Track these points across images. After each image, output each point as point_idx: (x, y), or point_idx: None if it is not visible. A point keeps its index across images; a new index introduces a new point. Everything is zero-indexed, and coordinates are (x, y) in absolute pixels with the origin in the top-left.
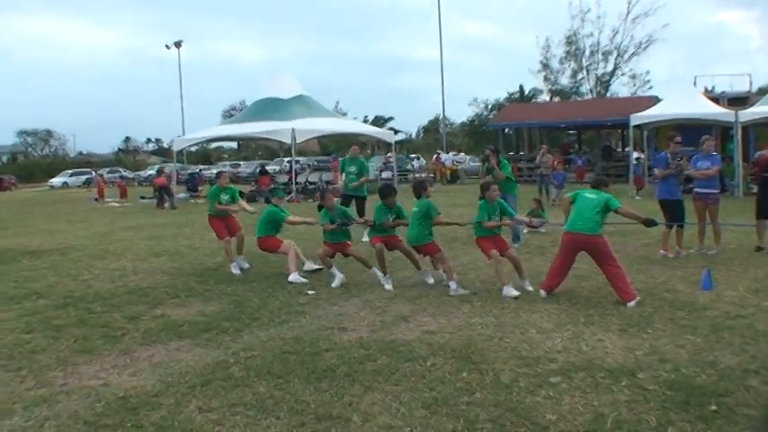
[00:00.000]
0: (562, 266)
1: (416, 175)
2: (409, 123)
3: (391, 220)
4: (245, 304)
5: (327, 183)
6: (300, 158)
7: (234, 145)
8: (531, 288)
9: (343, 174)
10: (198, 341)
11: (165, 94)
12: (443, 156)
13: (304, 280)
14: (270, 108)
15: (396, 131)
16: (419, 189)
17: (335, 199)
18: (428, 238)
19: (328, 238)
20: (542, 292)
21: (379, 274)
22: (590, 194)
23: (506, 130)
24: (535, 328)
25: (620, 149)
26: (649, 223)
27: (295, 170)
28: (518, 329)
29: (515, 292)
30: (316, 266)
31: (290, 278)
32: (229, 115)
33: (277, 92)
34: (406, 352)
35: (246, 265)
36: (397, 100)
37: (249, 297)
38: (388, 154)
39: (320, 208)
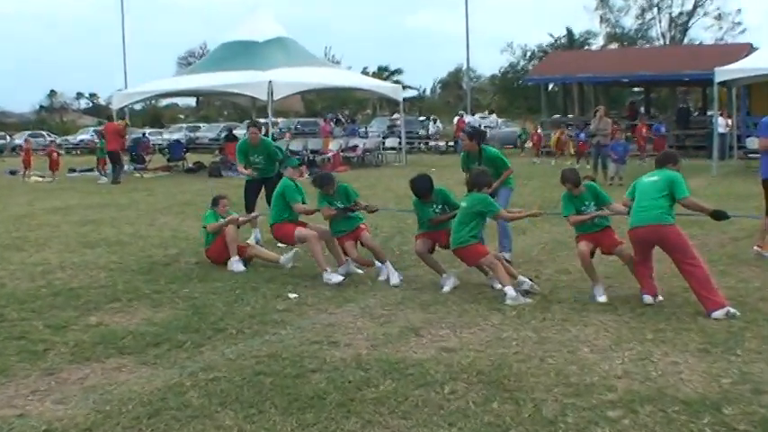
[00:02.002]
0: (643, 263)
1: (477, 168)
2: (423, 76)
3: (437, 212)
4: (206, 311)
5: (314, 153)
6: (279, 120)
7: (192, 102)
8: (603, 299)
9: (247, 167)
10: (144, 358)
11: (102, 35)
12: (468, 118)
13: (338, 278)
14: (240, 54)
15: (405, 87)
16: (479, 182)
17: (338, 175)
18: (472, 240)
19: (336, 228)
20: (647, 298)
21: (391, 271)
22: (651, 177)
23: (550, 86)
24: (588, 346)
25: (699, 113)
26: (719, 216)
27: (272, 135)
28: (565, 347)
29: (603, 297)
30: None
31: (324, 277)
32: (187, 63)
33: (249, 33)
34: (417, 375)
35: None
36: (408, 46)
37: (212, 301)
38: (395, 115)
39: (317, 184)
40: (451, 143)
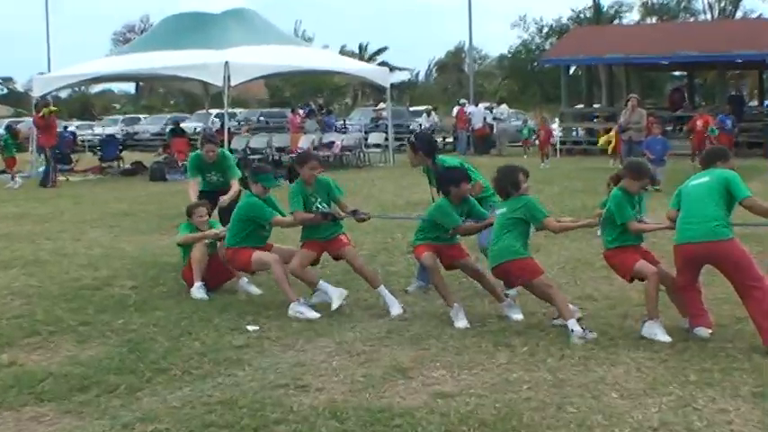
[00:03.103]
0: (692, 287)
1: (505, 167)
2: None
3: (463, 220)
4: (145, 347)
5: (280, 151)
6: (238, 111)
7: (130, 88)
8: (666, 338)
9: (197, 181)
10: (68, 406)
11: (20, 5)
12: (470, 108)
13: (314, 314)
14: (190, 29)
15: (393, 69)
16: (510, 184)
17: (316, 170)
18: (517, 254)
19: (309, 234)
20: (703, 331)
21: (390, 299)
22: (699, 179)
23: (572, 69)
24: (616, 391)
25: (756, 102)
26: None
27: (229, 129)
28: (588, 392)
29: (666, 337)
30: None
31: (291, 309)
32: (124, 41)
33: (202, 3)
34: (405, 427)
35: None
36: (396, 20)
37: (152, 335)
38: (380, 105)
39: (291, 178)
40: (450, 140)
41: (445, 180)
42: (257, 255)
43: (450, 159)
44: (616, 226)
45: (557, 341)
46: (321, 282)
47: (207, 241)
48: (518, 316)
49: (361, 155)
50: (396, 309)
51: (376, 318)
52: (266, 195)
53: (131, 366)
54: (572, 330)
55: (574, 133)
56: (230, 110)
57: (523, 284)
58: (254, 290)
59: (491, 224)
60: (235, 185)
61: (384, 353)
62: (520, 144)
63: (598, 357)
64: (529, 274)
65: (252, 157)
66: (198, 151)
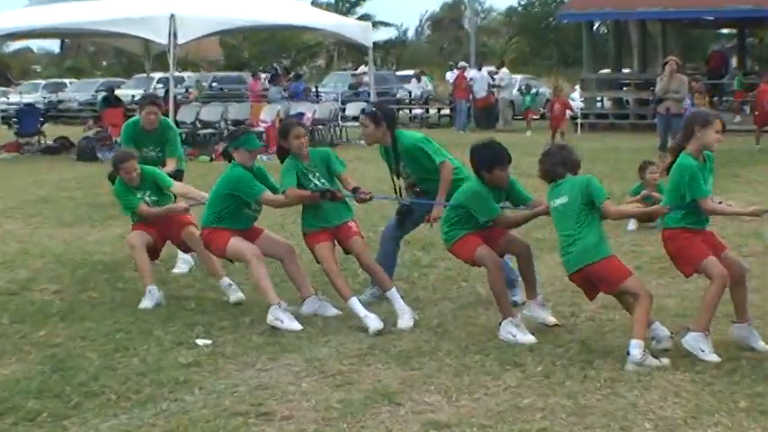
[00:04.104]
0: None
1: (555, 145)
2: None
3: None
4: (72, 365)
5: (238, 125)
6: (186, 75)
7: (54, 46)
8: (713, 357)
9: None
10: None
11: None
12: (472, 73)
13: (295, 325)
14: None
15: (376, 23)
16: (564, 164)
17: (302, 138)
18: (602, 253)
19: (312, 221)
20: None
21: (401, 306)
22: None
23: (596, 25)
24: (650, 420)
25: None
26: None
27: (175, 98)
28: (616, 421)
29: (713, 356)
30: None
31: (271, 314)
32: None
33: None
34: None
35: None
36: None
37: (81, 350)
38: (361, 69)
39: (282, 155)
40: (447, 111)
41: (483, 160)
42: (235, 242)
43: (409, 135)
44: (683, 202)
45: (577, 359)
46: (354, 299)
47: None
48: (550, 318)
49: (337, 129)
50: (407, 320)
51: (355, 330)
52: (253, 164)
53: (55, 389)
54: (628, 353)
55: (598, 104)
56: (177, 73)
57: (611, 291)
58: (238, 296)
59: (545, 212)
60: (171, 165)
61: (366, 373)
62: (521, 116)
63: (628, 379)
64: (618, 275)
65: (203, 131)
66: (134, 118)
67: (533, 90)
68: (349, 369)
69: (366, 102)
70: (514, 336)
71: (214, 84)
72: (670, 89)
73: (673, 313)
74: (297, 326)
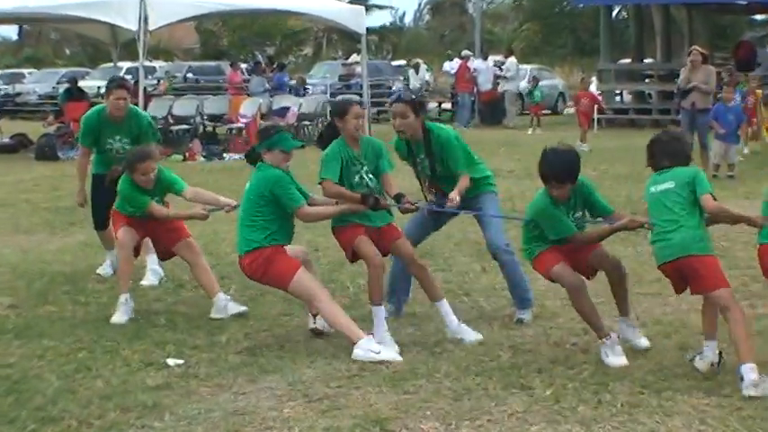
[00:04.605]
0: None
1: (666, 134)
2: None
3: (574, 221)
4: (27, 387)
5: (215, 120)
6: (158, 65)
7: (11, 33)
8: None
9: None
10: None
11: None
12: (475, 64)
13: (394, 355)
14: None
15: (370, 7)
16: (675, 155)
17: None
18: (708, 249)
19: (348, 216)
20: None
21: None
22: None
23: (615, 10)
24: None
25: None
26: None
27: (146, 90)
28: None
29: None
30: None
31: (361, 349)
32: None
33: None
34: None
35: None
36: None
37: (38, 371)
38: (352, 58)
39: (328, 139)
40: (448, 105)
41: (558, 169)
42: (302, 275)
43: (445, 130)
44: None
45: (591, 381)
46: (444, 301)
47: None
48: (644, 342)
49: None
50: (471, 335)
51: (344, 349)
52: (287, 169)
53: (9, 414)
54: (742, 378)
55: (617, 98)
56: (147, 63)
57: (701, 293)
58: (238, 308)
59: (628, 226)
60: None
61: (355, 397)
62: (527, 111)
63: (648, 404)
64: (716, 280)
65: (176, 127)
66: (98, 106)
67: (546, 83)
68: (336, 393)
69: (358, 95)
70: (607, 356)
71: (189, 75)
72: (697, 81)
73: (697, 330)
74: (396, 355)
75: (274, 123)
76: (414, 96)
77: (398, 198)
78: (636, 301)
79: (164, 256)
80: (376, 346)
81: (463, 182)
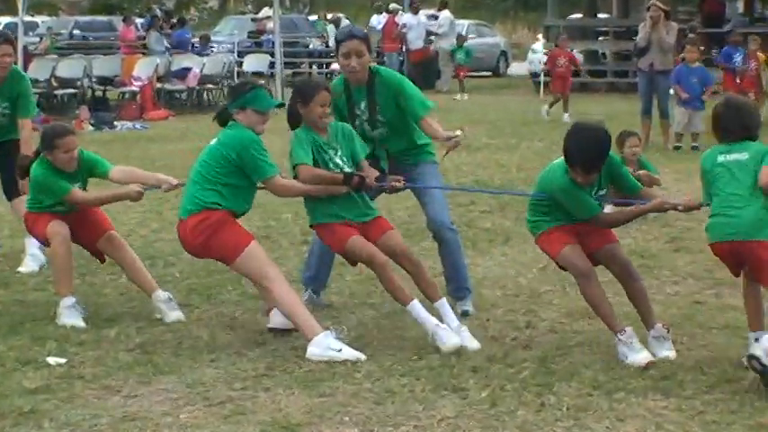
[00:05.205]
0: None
1: (741, 100)
2: None
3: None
4: None
5: (106, 83)
6: (41, 19)
7: None
8: None
9: None
10: None
11: None
12: (405, 18)
13: (354, 354)
14: None
15: None
16: (745, 128)
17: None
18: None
19: (330, 211)
20: None
21: (432, 321)
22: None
23: None
24: None
25: None
26: None
27: (26, 49)
28: None
29: None
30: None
31: (318, 346)
32: None
33: None
34: None
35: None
36: None
37: None
38: (263, 12)
39: (293, 125)
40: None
41: (591, 156)
42: (256, 249)
43: (391, 73)
44: None
45: (533, 382)
46: (444, 300)
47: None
48: (670, 353)
49: None
50: (473, 342)
51: (252, 345)
52: (262, 132)
53: None
54: (756, 340)
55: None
56: (28, 18)
57: (761, 282)
58: (176, 315)
59: (659, 208)
60: (27, 127)
61: (263, 400)
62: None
63: (597, 407)
64: None
65: (60, 92)
66: None
67: (466, 43)
68: (241, 395)
69: (269, 54)
70: (626, 357)
71: (76, 31)
72: (655, 40)
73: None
74: (358, 354)
75: (248, 79)
76: (349, 30)
77: (381, 178)
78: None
79: (99, 257)
80: (336, 343)
81: (436, 126)
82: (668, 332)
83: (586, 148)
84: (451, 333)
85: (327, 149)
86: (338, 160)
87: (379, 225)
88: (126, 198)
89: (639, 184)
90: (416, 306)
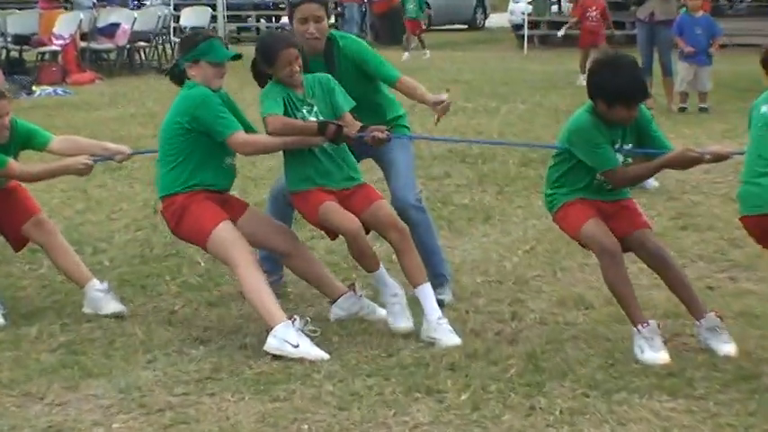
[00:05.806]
0: None
1: None
2: None
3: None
4: None
5: (22, 42)
6: None
7: None
8: None
9: None
10: None
11: None
12: None
13: (319, 353)
14: None
15: None
16: None
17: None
18: None
19: (307, 177)
20: None
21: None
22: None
23: None
24: None
25: None
26: None
27: None
28: None
29: None
30: None
31: (276, 338)
32: None
33: None
34: None
35: None
36: None
37: None
38: None
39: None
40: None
41: (603, 85)
42: (225, 230)
43: (354, 40)
44: None
45: (521, 382)
46: (427, 285)
47: None
48: (731, 347)
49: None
50: (453, 337)
51: (195, 343)
52: (220, 89)
53: None
54: None
55: (554, 8)
56: None
57: None
58: (114, 307)
59: (683, 163)
60: None
61: (207, 407)
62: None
63: (595, 411)
64: None
65: None
66: None
67: None
68: (182, 401)
69: (210, 7)
70: (642, 351)
71: None
72: None
73: (661, 312)
74: (323, 354)
75: (200, 30)
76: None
77: (363, 129)
78: (579, 272)
79: (16, 244)
80: (293, 337)
81: (419, 88)
82: (722, 321)
83: (625, 80)
84: (407, 318)
85: (301, 107)
86: (314, 117)
87: (366, 194)
88: (73, 172)
89: (669, 143)
90: (383, 274)
